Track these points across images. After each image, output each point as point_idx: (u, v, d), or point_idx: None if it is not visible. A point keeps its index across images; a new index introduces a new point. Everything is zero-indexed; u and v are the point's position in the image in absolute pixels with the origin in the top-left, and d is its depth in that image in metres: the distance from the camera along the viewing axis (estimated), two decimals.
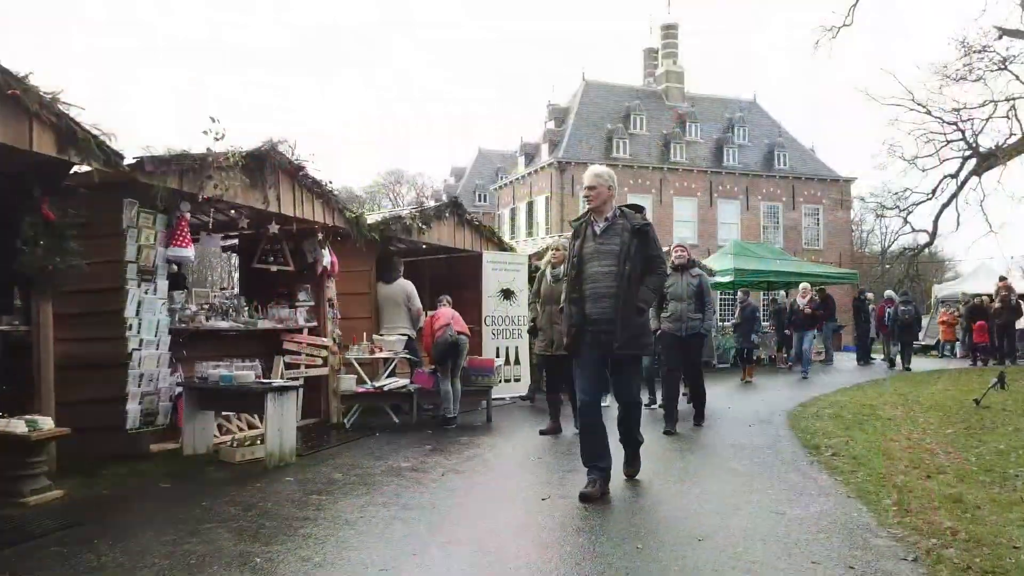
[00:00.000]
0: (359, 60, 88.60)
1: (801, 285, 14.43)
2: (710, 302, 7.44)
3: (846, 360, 17.85)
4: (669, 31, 39.13)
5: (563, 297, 4.66)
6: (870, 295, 18.24)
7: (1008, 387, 9.06)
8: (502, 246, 10.86)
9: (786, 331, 15.47)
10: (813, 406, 8.75)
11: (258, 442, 5.69)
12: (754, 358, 13.05)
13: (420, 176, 57.19)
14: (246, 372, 5.71)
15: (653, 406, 8.61)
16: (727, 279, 16.62)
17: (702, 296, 7.22)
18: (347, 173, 76.65)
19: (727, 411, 8.63)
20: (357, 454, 5.94)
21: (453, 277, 10.40)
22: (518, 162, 39.53)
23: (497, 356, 9.50)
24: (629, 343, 4.34)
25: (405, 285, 8.52)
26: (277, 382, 5.75)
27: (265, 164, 6.50)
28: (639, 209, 4.61)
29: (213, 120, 5.88)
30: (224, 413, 6.53)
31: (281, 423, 5.49)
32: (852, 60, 62.59)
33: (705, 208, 34.72)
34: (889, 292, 17.85)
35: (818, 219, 36.54)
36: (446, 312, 7.64)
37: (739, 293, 14.12)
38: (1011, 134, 21.58)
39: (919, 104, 22.48)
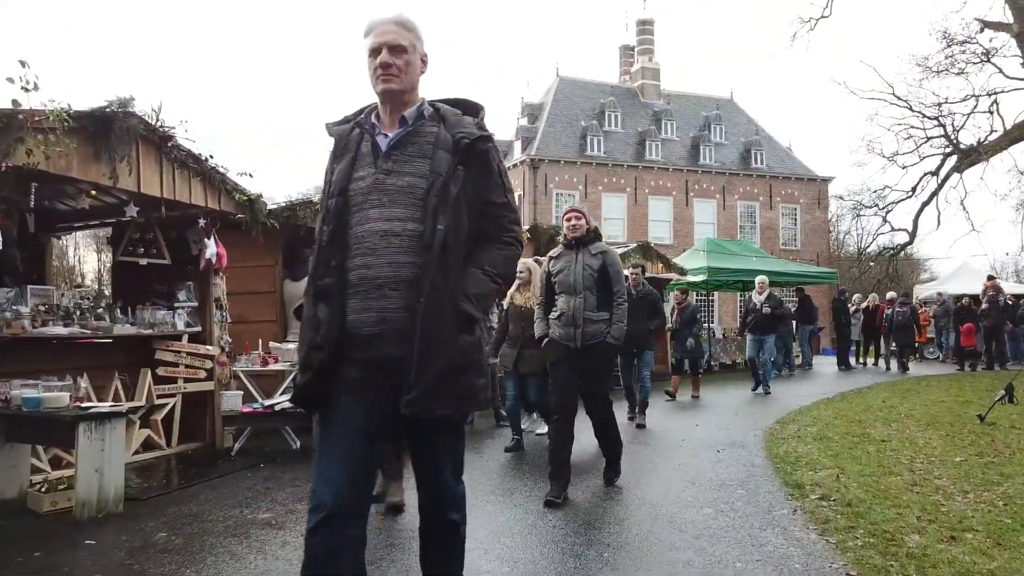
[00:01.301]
0: (330, 56, 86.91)
1: (757, 279, 11.90)
2: (621, 293, 4.68)
3: (826, 365, 16.79)
4: (645, 27, 38.19)
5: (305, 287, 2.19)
6: (857, 296, 17.20)
7: (1016, 400, 7.96)
8: None
9: (741, 335, 13.03)
10: (793, 423, 7.56)
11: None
12: (700, 369, 10.75)
13: None
14: (60, 393, 4.36)
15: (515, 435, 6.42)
16: (700, 278, 15.47)
17: (608, 285, 4.62)
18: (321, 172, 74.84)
19: (694, 429, 7.40)
20: (214, 497, 4.61)
21: None
22: None
23: None
24: (440, 391, 1.97)
25: None
26: (97, 407, 4.39)
27: (112, 129, 5.14)
28: (475, 110, 2.21)
29: (23, 64, 4.51)
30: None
31: (101, 461, 4.16)
32: (831, 60, 62.18)
33: (681, 207, 33.73)
34: (891, 293, 16.76)
35: (795, 219, 35.76)
36: None
37: (676, 293, 10.93)
38: (992, 130, 20.82)
39: (899, 98, 21.69)
